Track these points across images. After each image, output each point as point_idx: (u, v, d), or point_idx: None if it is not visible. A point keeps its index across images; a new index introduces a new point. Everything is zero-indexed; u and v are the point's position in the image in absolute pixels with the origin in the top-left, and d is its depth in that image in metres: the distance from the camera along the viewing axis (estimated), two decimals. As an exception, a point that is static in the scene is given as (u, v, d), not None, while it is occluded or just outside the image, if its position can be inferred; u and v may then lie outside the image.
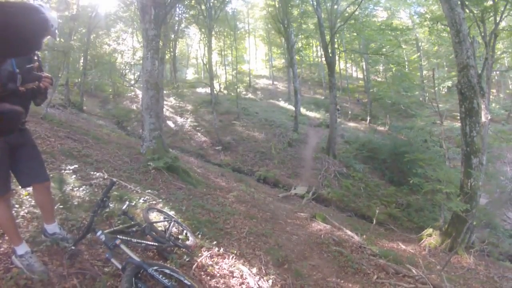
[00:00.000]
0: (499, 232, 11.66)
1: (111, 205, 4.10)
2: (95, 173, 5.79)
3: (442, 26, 14.42)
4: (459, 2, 8.95)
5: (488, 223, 11.42)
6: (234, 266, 4.08)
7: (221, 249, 4.37)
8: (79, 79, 21.83)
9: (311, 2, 19.29)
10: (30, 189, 3.73)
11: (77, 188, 4.67)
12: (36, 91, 2.51)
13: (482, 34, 11.64)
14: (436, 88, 17.59)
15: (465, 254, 7.63)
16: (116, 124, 20.79)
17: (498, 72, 26.27)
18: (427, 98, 28.20)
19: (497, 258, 9.02)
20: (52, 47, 17.05)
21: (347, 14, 18.72)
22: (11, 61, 2.41)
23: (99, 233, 2.90)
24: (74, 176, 5.17)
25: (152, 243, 3.46)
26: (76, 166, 5.66)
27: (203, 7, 21.76)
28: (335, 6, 18.73)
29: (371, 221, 10.11)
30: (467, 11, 11.20)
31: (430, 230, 9.15)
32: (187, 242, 3.95)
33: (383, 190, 14.98)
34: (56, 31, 2.58)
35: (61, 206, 3.85)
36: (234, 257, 4.33)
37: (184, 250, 3.81)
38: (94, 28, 21.05)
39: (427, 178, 10.34)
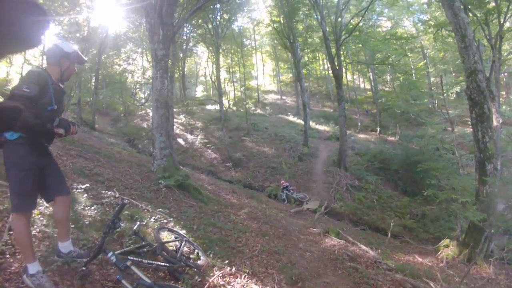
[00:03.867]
0: (518, 238, 11.30)
1: (122, 225, 4.10)
2: (107, 191, 5.82)
3: (447, 32, 14.39)
4: (462, 7, 8.91)
5: (507, 230, 11.07)
6: (246, 286, 4.00)
7: (233, 268, 4.31)
8: (91, 98, 22.32)
9: (316, 17, 19.50)
10: (41, 208, 3.92)
11: (89, 207, 4.69)
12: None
13: (487, 36, 11.58)
14: (445, 95, 17.43)
15: (484, 263, 7.37)
16: (127, 142, 21.03)
17: (506, 74, 25.90)
18: (436, 105, 27.95)
19: (517, 265, 8.72)
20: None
21: (351, 26, 18.81)
22: (50, 95, 2.71)
23: (110, 254, 2.89)
24: (85, 195, 5.21)
25: (163, 264, 3.43)
26: (88, 185, 5.71)
27: (210, 26, 22.25)
28: (339, 19, 18.87)
29: (386, 233, 9.90)
30: (471, 15, 11.16)
31: (447, 241, 8.91)
32: (199, 262, 3.90)
33: (396, 201, 14.72)
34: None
35: (73, 226, 3.85)
36: (247, 276, 4.25)
37: (195, 270, 3.76)
38: (104, 48, 21.63)
39: (441, 187, 10.14)
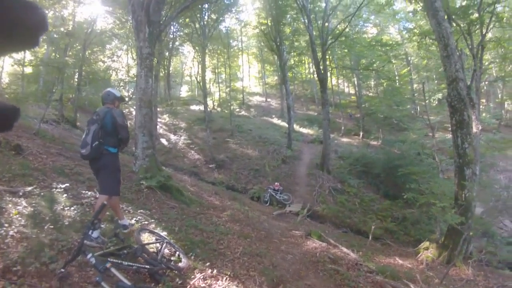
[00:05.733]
0: (496, 241, 11.65)
1: (102, 226, 4.04)
2: (87, 192, 5.71)
3: (431, 40, 14.70)
4: (446, 17, 9.14)
5: (485, 232, 11.40)
6: (228, 288, 3.99)
7: (215, 271, 4.29)
8: (73, 95, 21.79)
9: (303, 20, 19.64)
10: (19, 207, 4.00)
11: (68, 208, 4.60)
12: None
13: (470, 46, 11.87)
14: (427, 101, 17.80)
15: (463, 265, 7.56)
16: (109, 141, 20.64)
17: (487, 82, 26.70)
18: (418, 111, 28.54)
19: (495, 266, 8.98)
20: (47, 62, 17.09)
21: (338, 31, 19.06)
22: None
23: (89, 255, 2.84)
24: (65, 195, 5.10)
25: (144, 266, 3.39)
26: (68, 184, 5.59)
27: (197, 25, 22.15)
28: (326, 24, 19.06)
29: (367, 236, 10.04)
30: (454, 24, 11.44)
31: (427, 243, 9.10)
32: (180, 264, 3.87)
33: (378, 204, 14.95)
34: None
35: (51, 226, 3.78)
36: (228, 278, 4.24)
37: (176, 272, 3.73)
38: (89, 44, 21.14)
39: (422, 191, 10.36)
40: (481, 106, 17.28)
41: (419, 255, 8.64)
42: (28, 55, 22.21)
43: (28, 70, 21.49)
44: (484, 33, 11.75)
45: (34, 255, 3.05)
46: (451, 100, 8.47)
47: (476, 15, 11.71)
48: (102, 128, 4.02)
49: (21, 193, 4.52)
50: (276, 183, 15.21)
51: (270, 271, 5.04)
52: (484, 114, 26.26)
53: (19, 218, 3.68)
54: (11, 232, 3.35)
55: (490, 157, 17.25)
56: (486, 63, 18.45)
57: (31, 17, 0.58)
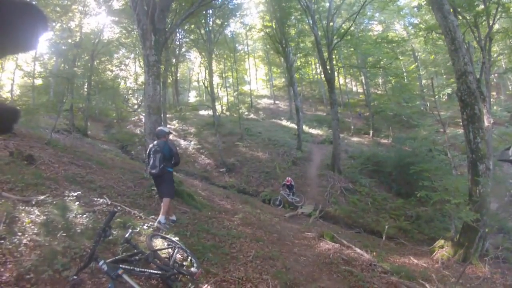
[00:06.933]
0: (513, 236, 11.37)
1: (114, 233, 4.06)
2: (99, 199, 5.77)
3: (437, 35, 14.54)
4: (451, 10, 9.01)
5: (501, 228, 11.11)
6: (241, 292, 3.96)
7: (227, 275, 4.27)
8: (83, 104, 22.09)
9: (308, 21, 19.60)
10: (32, 216, 4.03)
11: (80, 215, 4.63)
12: None
13: (477, 38, 11.69)
14: (436, 97, 17.55)
15: (479, 263, 7.39)
16: (120, 149, 20.83)
17: (496, 75, 26.26)
18: (428, 107, 28.19)
19: (513, 263, 8.76)
20: (57, 74, 17.40)
21: (343, 30, 18.94)
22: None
23: (101, 262, 2.85)
24: (77, 202, 5.15)
25: (156, 272, 3.39)
26: (80, 192, 5.66)
27: (202, 31, 22.28)
28: (331, 23, 19.00)
29: (381, 236, 9.91)
30: (460, 17, 11.29)
31: (442, 242, 8.92)
32: (192, 269, 3.85)
33: (391, 203, 14.75)
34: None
35: (64, 234, 3.80)
36: (241, 282, 4.21)
37: (189, 277, 3.72)
38: (97, 54, 21.46)
39: (435, 188, 10.18)
40: (491, 99, 16.98)
41: (434, 253, 8.49)
42: (38, 67, 22.69)
43: (38, 81, 21.90)
44: (491, 24, 11.58)
45: (47, 263, 3.08)
46: (461, 94, 8.33)
47: (482, 6, 11.54)
48: (163, 155, 5.70)
49: (33, 202, 4.58)
50: (288, 178, 15.07)
51: (283, 274, 5.00)
52: (495, 107, 25.82)
53: (32, 227, 3.72)
54: (24, 241, 3.38)
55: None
56: (495, 55, 18.18)
57: (31, 19, 0.58)
